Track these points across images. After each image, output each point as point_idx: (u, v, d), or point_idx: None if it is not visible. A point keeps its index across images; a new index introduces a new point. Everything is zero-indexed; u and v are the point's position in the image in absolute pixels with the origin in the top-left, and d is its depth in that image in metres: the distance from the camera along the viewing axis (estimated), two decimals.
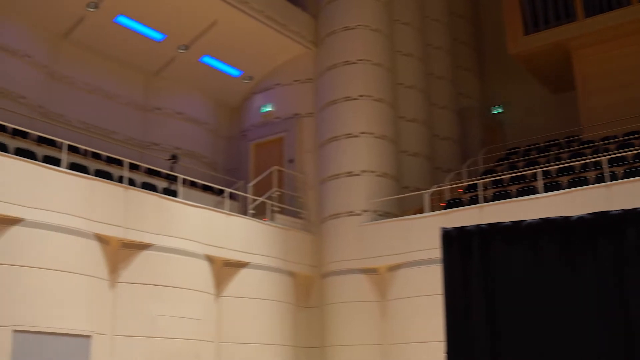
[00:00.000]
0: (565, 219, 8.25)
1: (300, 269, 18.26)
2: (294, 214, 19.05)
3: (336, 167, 18.78)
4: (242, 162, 21.31)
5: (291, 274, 17.92)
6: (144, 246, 14.47)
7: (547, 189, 15.78)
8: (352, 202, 18.27)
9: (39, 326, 12.26)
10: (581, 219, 8.17)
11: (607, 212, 8.17)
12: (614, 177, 15.18)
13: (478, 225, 8.72)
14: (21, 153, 13.46)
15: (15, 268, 12.18)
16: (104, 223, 13.77)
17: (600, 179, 15.31)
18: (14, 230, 12.32)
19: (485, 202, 16.37)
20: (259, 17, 18.95)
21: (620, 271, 7.78)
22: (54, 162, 13.65)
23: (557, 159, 19.79)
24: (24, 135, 15.43)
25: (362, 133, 18.85)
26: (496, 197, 16.74)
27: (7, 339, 11.84)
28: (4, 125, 14.59)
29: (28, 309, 12.18)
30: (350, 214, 18.21)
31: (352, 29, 19.66)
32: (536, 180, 16.42)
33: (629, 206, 8.19)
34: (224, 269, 16.42)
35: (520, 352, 8.15)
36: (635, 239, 7.76)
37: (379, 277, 17.54)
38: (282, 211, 18.71)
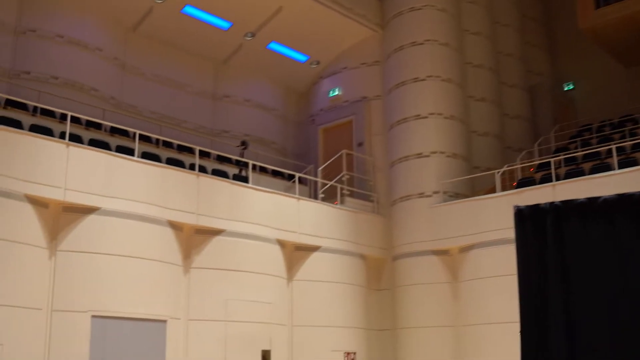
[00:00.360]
0: None
1: (371, 251, 18.27)
2: (364, 197, 19.05)
3: (405, 149, 18.69)
4: (311, 146, 21.40)
5: (362, 256, 17.95)
6: (216, 232, 14.69)
7: (622, 165, 15.38)
8: (423, 184, 18.18)
9: (116, 311, 12.62)
10: None
11: None
12: None
13: (552, 203, 8.56)
14: (95, 144, 13.80)
15: (91, 255, 12.55)
16: (177, 210, 14.03)
17: None
18: (91, 218, 12.67)
19: (557, 180, 16.06)
20: (324, 2, 18.95)
21: None
22: (127, 151, 13.95)
23: (632, 134, 19.26)
24: (97, 126, 15.81)
25: (431, 114, 18.71)
26: (569, 175, 16.40)
27: (86, 324, 12.22)
28: (78, 118, 14.96)
29: (105, 295, 12.54)
30: (421, 195, 18.13)
31: (419, 9, 19.49)
32: (611, 156, 16.03)
33: None
34: (295, 253, 16.56)
35: (596, 330, 8.00)
36: None
37: (450, 258, 17.43)
38: (352, 194, 18.73)
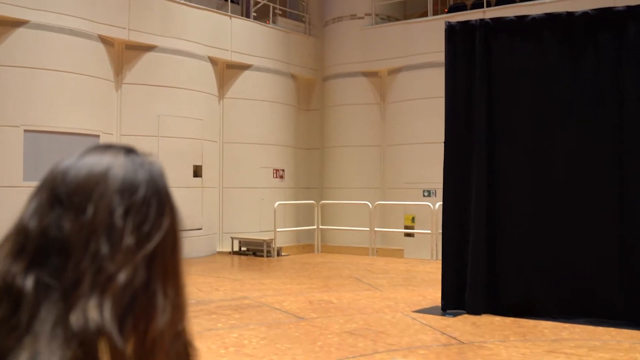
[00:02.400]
0: (569, 14, 8.31)
1: (302, 71, 18.41)
2: (297, 17, 18.92)
3: None
4: None
5: (293, 76, 18.10)
6: (147, 48, 14.53)
7: None
8: (356, 6, 18.10)
9: (48, 126, 12.59)
10: (585, 14, 8.23)
11: (611, 8, 8.22)
12: None
13: (482, 20, 8.78)
14: None
15: (23, 70, 12.35)
16: (108, 25, 13.75)
17: None
18: (19, 32, 12.36)
19: (489, 6, 16.22)
20: None
21: (619, 66, 7.96)
22: None
23: None
24: None
25: None
26: (500, 2, 16.57)
27: (19, 138, 12.22)
28: None
29: (37, 110, 12.47)
30: (353, 17, 18.10)
31: None
32: None
33: (633, 3, 8.20)
34: (227, 71, 16.59)
35: (515, 149, 8.49)
36: (634, 36, 7.88)
37: (380, 80, 17.74)
38: (285, 14, 18.58)
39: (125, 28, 14.05)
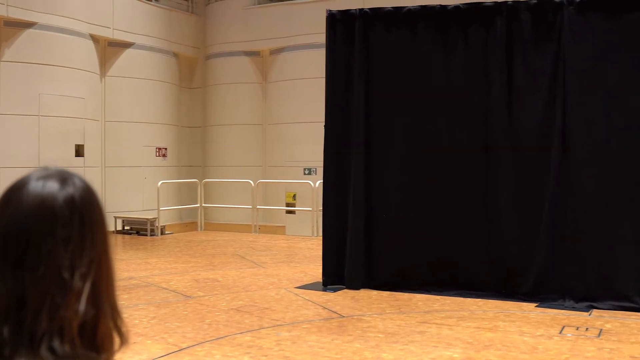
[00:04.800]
0: (443, 8, 8.87)
1: (185, 50, 18.42)
2: None
3: None
4: None
5: (175, 55, 18.09)
6: (27, 24, 14.20)
7: None
8: None
9: None
10: (457, 8, 8.80)
11: (481, 3, 8.82)
12: None
13: (361, 9, 9.23)
14: None
15: None
16: None
17: None
18: None
19: None
20: None
21: (486, 56, 8.60)
22: None
23: None
24: None
25: None
26: None
27: None
28: None
29: None
30: None
31: None
32: None
33: None
34: (109, 49, 16.41)
35: (391, 131, 9.02)
36: (500, 29, 8.51)
37: (262, 59, 17.99)
38: None
39: (3, 4, 13.69)
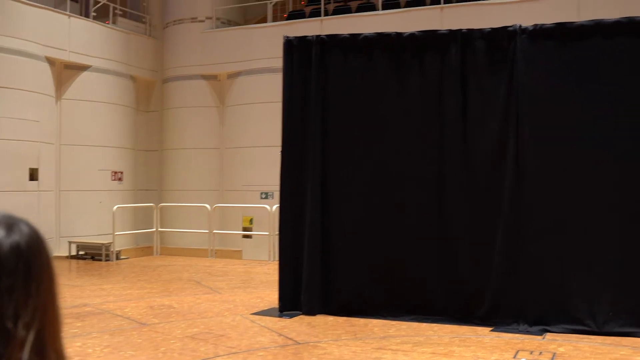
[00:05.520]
0: (398, 35, 8.97)
1: (142, 73, 18.33)
2: (137, 18, 18.82)
3: None
4: None
5: (132, 78, 18.00)
6: None
7: (386, 6, 16.47)
8: (196, 9, 18.23)
9: None
10: (412, 35, 8.90)
11: (435, 31, 8.94)
12: (447, 0, 16.02)
13: (318, 36, 9.28)
14: None
15: None
16: None
17: (436, 1, 16.13)
18: None
19: (326, 15, 16.88)
20: None
21: (441, 83, 8.71)
22: None
23: None
24: None
25: None
26: (337, 12, 17.27)
27: None
28: None
29: None
30: (194, 20, 18.23)
31: None
32: None
33: (456, 27, 8.96)
34: (65, 72, 16.28)
35: (347, 157, 9.07)
36: (456, 57, 8.63)
37: (219, 83, 17.99)
38: (125, 14, 18.44)
39: None
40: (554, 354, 7.04)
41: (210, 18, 18.22)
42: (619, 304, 7.98)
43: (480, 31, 8.66)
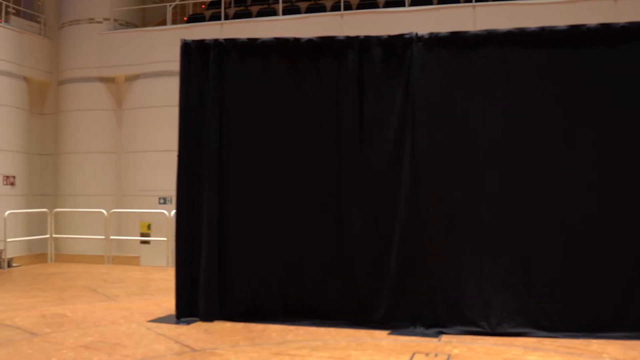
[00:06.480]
0: (296, 40, 8.98)
1: (36, 74, 17.78)
2: (31, 18, 18.23)
3: None
4: None
5: (25, 79, 17.44)
6: None
7: (286, 12, 16.52)
8: (94, 9, 17.81)
9: None
10: (310, 41, 8.93)
11: (333, 37, 9.00)
12: (347, 7, 16.20)
13: (216, 40, 9.20)
14: None
15: None
16: None
17: (336, 7, 16.28)
18: None
19: (226, 19, 16.79)
20: None
21: (338, 89, 8.76)
22: None
23: None
24: None
25: None
26: (237, 16, 17.20)
27: None
28: None
29: None
30: (91, 21, 17.81)
31: None
32: (277, 3, 17.04)
33: (355, 33, 9.02)
34: None
35: (244, 162, 9.03)
36: (352, 63, 8.70)
37: (116, 86, 17.64)
38: (19, 13, 17.84)
39: None
40: (449, 355, 7.18)
41: (108, 19, 17.85)
42: (510, 306, 8.21)
43: (377, 38, 8.76)
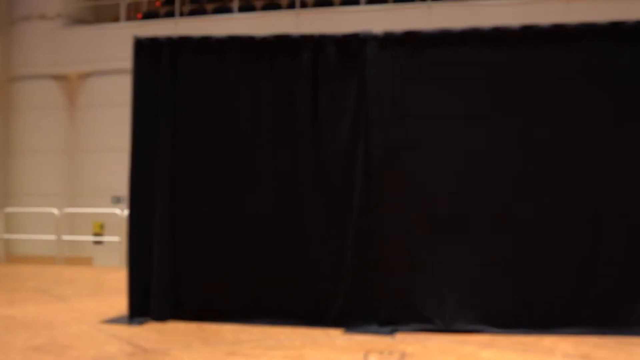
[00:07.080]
0: (251, 38, 8.92)
1: None
2: None
3: None
4: None
5: None
6: None
7: (242, 9, 16.43)
8: (45, 5, 17.53)
9: None
10: (265, 39, 8.88)
11: (288, 35, 8.95)
12: (303, 5, 16.17)
13: (169, 38, 9.09)
14: None
15: None
16: None
17: (292, 5, 16.24)
18: None
19: (181, 16, 16.65)
20: None
21: (293, 87, 8.73)
22: None
23: None
24: None
25: None
26: (192, 13, 17.07)
27: None
28: None
29: None
30: (43, 17, 17.52)
31: None
32: (232, 0, 16.94)
33: (311, 32, 8.98)
34: None
35: (197, 157, 8.94)
36: (307, 61, 8.68)
37: (69, 84, 17.38)
38: None
39: None
40: (403, 353, 7.19)
41: (60, 15, 17.57)
42: (465, 302, 8.26)
43: (332, 37, 8.73)
